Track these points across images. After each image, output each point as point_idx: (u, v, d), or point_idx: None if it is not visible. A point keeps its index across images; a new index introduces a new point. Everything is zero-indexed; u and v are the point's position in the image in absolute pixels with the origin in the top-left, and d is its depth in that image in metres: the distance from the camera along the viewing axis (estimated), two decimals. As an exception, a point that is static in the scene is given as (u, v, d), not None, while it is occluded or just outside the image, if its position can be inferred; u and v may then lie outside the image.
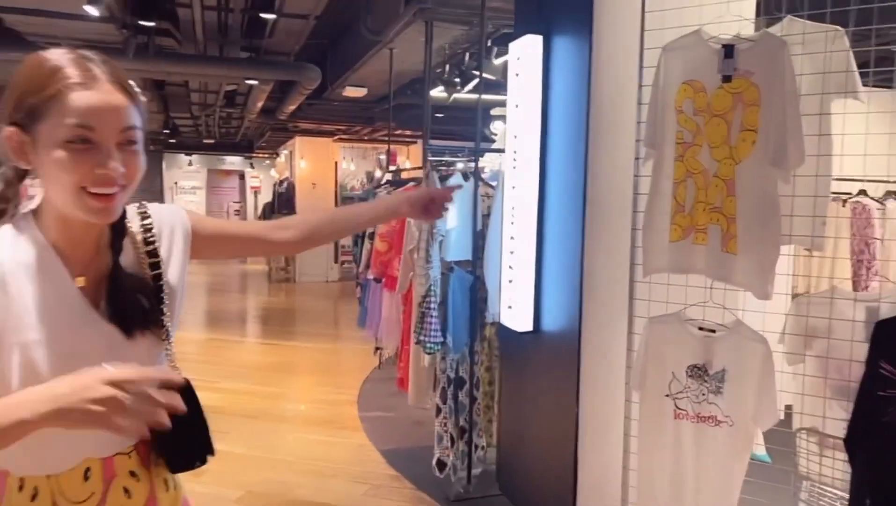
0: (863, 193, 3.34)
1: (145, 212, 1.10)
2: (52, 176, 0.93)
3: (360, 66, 6.78)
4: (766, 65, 2.04)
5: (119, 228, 1.04)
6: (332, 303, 10.36)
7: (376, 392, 5.23)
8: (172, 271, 1.11)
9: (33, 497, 0.98)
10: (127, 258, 1.05)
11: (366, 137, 12.70)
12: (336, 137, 12.52)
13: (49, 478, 0.99)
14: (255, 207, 17.67)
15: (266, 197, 16.26)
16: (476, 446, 3.46)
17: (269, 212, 12.85)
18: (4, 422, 0.81)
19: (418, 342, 3.39)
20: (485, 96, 3.67)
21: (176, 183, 18.80)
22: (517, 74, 2.85)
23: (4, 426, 0.81)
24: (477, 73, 4.01)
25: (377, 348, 5.41)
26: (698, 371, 2.23)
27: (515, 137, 2.89)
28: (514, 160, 2.89)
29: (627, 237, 2.35)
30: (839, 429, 2.01)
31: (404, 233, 4.20)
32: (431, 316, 3.32)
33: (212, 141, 16.04)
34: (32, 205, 1.01)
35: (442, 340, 3.33)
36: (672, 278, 2.29)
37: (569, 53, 2.63)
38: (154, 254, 1.08)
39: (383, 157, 11.17)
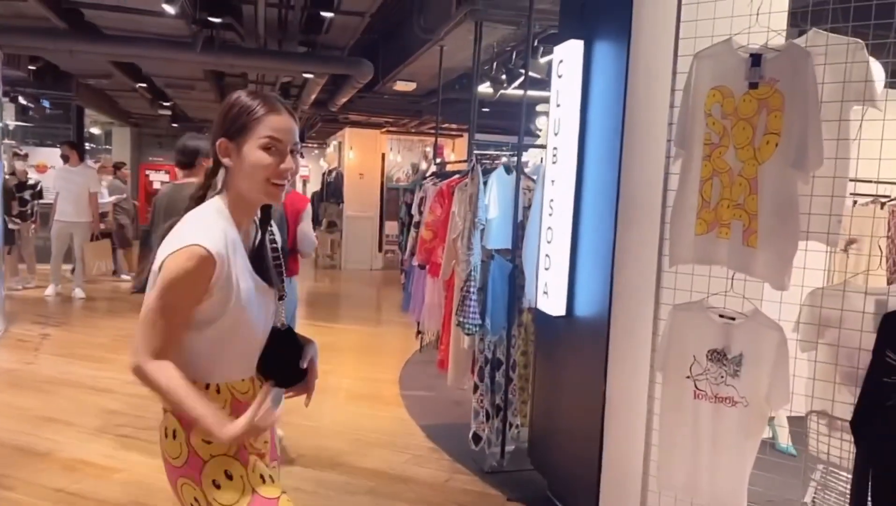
0: (901, 196, 3.44)
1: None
2: (247, 171, 1.42)
3: (411, 61, 7.03)
4: (791, 73, 2.20)
5: (266, 210, 1.57)
6: (375, 289, 10.69)
7: (417, 373, 5.50)
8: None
9: (217, 391, 1.48)
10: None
11: (412, 130, 12.97)
12: (384, 129, 12.83)
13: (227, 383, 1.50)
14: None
15: (315, 186, 16.70)
16: (510, 425, 3.69)
17: (318, 200, 13.25)
18: (192, 409, 1.33)
19: (458, 324, 3.63)
20: (530, 93, 3.88)
21: (229, 171, 19.37)
22: (560, 76, 3.05)
23: (187, 410, 1.33)
24: (523, 71, 4.21)
25: (419, 332, 5.67)
26: (718, 355, 2.42)
27: (556, 134, 3.09)
28: (554, 156, 3.10)
29: (657, 230, 2.54)
30: (847, 412, 2.16)
31: (449, 222, 4.45)
32: (471, 299, 3.55)
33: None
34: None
35: (480, 322, 3.56)
36: (696, 269, 2.48)
37: (608, 58, 2.82)
38: (273, 234, 1.61)
39: (429, 149, 11.43)
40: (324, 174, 14.40)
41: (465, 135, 10.33)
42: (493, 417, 3.61)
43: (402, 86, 8.34)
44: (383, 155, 13.05)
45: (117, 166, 10.27)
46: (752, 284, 2.38)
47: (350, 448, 3.85)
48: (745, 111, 2.30)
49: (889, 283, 3.26)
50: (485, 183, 3.73)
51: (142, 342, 1.35)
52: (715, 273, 2.45)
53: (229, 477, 1.41)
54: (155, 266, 1.38)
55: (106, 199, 9.10)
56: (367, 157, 12.74)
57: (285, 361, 1.55)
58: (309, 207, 3.89)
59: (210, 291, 1.36)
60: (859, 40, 2.14)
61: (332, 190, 12.86)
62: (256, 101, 1.43)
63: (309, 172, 18.95)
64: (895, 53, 2.15)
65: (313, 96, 9.41)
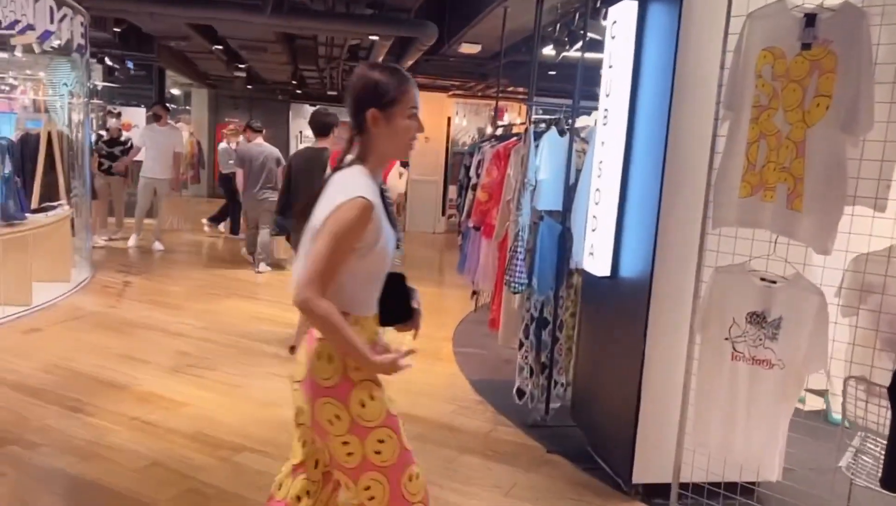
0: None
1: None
2: (393, 134, 1.71)
3: (476, 23, 7.02)
4: (846, 34, 2.15)
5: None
6: (437, 252, 10.87)
7: (471, 332, 5.64)
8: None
9: (355, 322, 1.70)
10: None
11: (479, 94, 12.94)
12: (451, 93, 12.84)
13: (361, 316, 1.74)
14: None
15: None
16: (556, 383, 3.79)
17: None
18: (349, 338, 1.60)
19: (506, 283, 3.72)
20: (591, 55, 3.86)
21: (301, 132, 19.89)
22: (613, 37, 3.05)
23: (344, 338, 1.60)
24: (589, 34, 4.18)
25: (474, 293, 5.79)
26: (757, 318, 2.43)
27: (608, 95, 3.10)
28: (605, 117, 3.11)
29: (702, 193, 2.54)
30: (886, 378, 2.16)
31: (504, 183, 4.51)
32: (518, 259, 3.63)
33: (335, 93, 16.84)
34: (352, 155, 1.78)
35: (527, 281, 3.64)
36: (740, 232, 2.48)
37: (661, 19, 2.80)
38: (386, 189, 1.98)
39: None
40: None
41: (531, 99, 10.22)
42: (537, 373, 3.71)
43: (467, 48, 8.34)
44: (449, 119, 13.09)
45: (254, 129, 7.98)
46: (795, 249, 2.37)
47: (400, 398, 4.00)
48: (796, 73, 2.27)
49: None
50: (537, 145, 3.77)
51: (310, 280, 1.57)
52: (759, 236, 2.45)
53: (372, 398, 1.69)
54: (320, 217, 1.63)
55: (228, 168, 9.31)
56: (433, 120, 12.79)
57: (400, 301, 1.83)
58: None
59: (367, 234, 1.63)
60: (919, -1, 2.08)
61: (397, 153, 12.98)
62: (396, 78, 1.70)
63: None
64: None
65: (380, 59, 9.53)
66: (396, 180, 6.99)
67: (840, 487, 2.43)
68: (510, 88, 11.82)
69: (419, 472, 1.78)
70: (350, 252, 1.62)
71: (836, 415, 3.81)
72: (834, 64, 2.18)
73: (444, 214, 12.67)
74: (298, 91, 16.96)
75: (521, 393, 3.72)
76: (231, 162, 9.11)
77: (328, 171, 1.84)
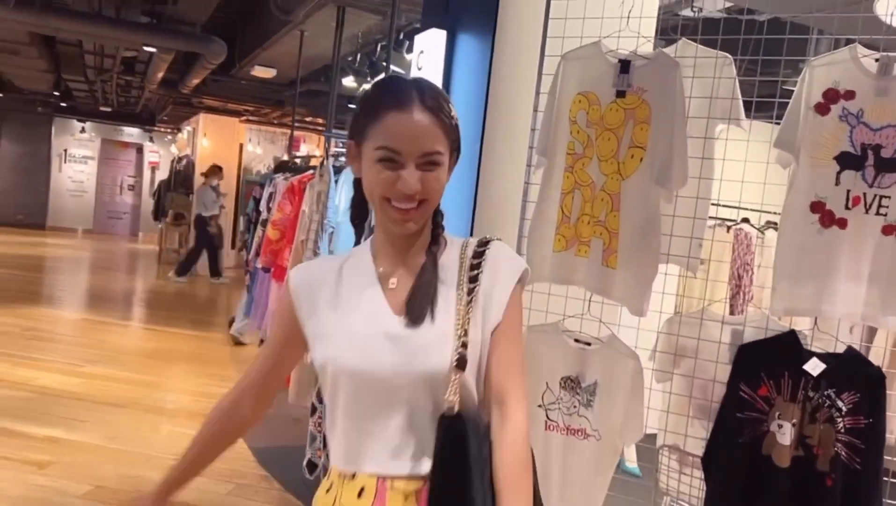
0: (745, 220, 3.49)
1: (487, 242, 1.19)
2: (366, 185, 1.11)
3: (270, 45, 6.52)
4: (659, 84, 2.05)
5: (435, 237, 1.17)
6: (225, 289, 9.94)
7: (257, 386, 5.01)
8: (489, 311, 1.11)
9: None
10: (443, 270, 1.14)
11: (275, 121, 12.30)
12: (243, 118, 12.05)
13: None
14: (152, 184, 16.74)
15: (164, 174, 15.46)
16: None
17: (164, 190, 12.21)
18: None
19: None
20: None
21: (66, 151, 17.50)
22: (420, 69, 2.78)
23: None
24: (386, 64, 3.91)
25: (262, 341, 5.20)
26: (571, 383, 2.23)
27: (413, 132, 2.81)
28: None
29: (514, 244, 2.32)
30: (699, 447, 2.05)
31: (297, 221, 4.05)
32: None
33: (109, 109, 15.07)
34: None
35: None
36: (554, 289, 2.28)
37: (471, 52, 2.58)
38: (474, 280, 1.12)
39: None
40: (173, 161, 13.33)
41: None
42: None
43: (260, 72, 7.76)
44: (241, 145, 12.26)
45: None
46: (610, 308, 2.23)
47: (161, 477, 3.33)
48: (611, 121, 2.13)
49: (731, 312, 3.29)
50: (336, 181, 3.38)
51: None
52: (573, 294, 2.27)
53: None
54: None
55: None
56: (222, 145, 11.88)
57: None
58: None
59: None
60: (728, 55, 2.04)
61: (180, 179, 11.89)
62: (379, 92, 1.11)
63: (159, 158, 17.55)
64: (745, 73, 2.08)
65: (160, 75, 8.56)
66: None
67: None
68: (308, 118, 11.36)
69: None
70: None
71: (630, 464, 3.85)
72: (648, 114, 2.08)
73: (233, 246, 11.74)
74: (64, 104, 14.92)
75: (312, 466, 3.23)
76: (215, 202, 8.72)
77: None
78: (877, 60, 1.80)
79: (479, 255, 1.14)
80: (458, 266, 1.13)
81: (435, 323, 1.06)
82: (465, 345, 1.04)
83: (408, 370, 1.05)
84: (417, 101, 1.05)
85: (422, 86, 1.10)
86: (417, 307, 1.07)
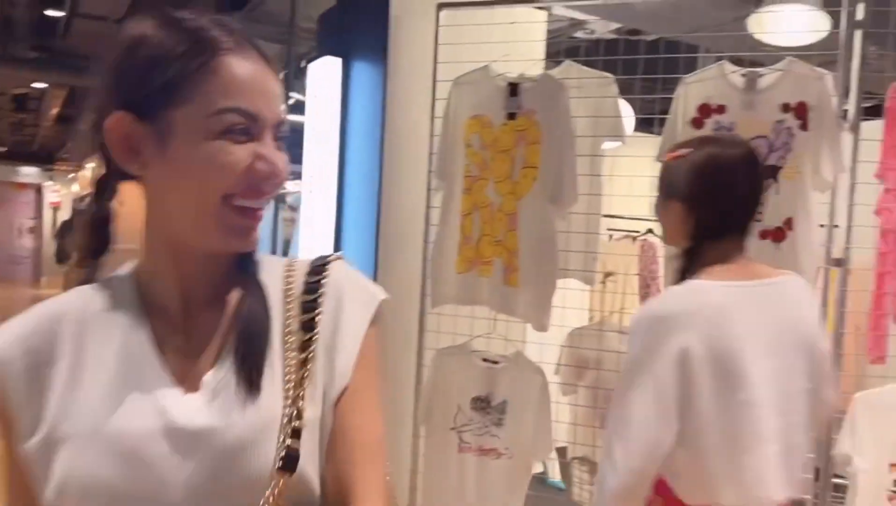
0: (650, 231, 3.62)
1: (323, 264, 0.75)
2: (182, 184, 0.66)
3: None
4: (547, 105, 2.11)
5: (247, 253, 0.72)
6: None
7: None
8: (332, 372, 0.71)
9: None
10: (275, 321, 0.71)
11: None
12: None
13: None
14: (54, 225, 15.84)
15: (67, 214, 14.67)
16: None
17: (65, 231, 11.57)
18: None
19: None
20: (299, 118, 3.53)
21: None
22: (315, 96, 2.76)
23: None
24: (290, 93, 3.86)
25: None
26: (481, 403, 2.24)
27: (312, 161, 2.78)
28: (310, 185, 2.78)
29: (419, 268, 2.32)
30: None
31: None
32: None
33: (3, 149, 14.23)
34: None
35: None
36: (460, 310, 2.29)
37: (366, 78, 2.58)
38: (308, 327, 0.71)
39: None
40: (74, 200, 12.68)
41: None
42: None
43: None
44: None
45: None
46: (516, 325, 2.25)
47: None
48: (504, 142, 2.17)
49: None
50: None
51: None
52: (479, 314, 2.29)
53: None
54: None
55: None
56: (130, 183, 11.38)
57: None
58: None
59: None
60: (609, 75, 2.12)
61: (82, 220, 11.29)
62: (202, 29, 0.66)
63: (60, 198, 16.63)
64: (641, 91, 2.18)
65: (55, 111, 8.17)
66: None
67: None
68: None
69: None
70: None
71: (553, 479, 3.88)
72: (538, 134, 2.13)
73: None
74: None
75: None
76: None
77: None
78: (743, 76, 1.92)
79: (313, 288, 0.73)
80: (282, 305, 0.72)
81: (257, 402, 0.66)
82: (296, 433, 0.66)
83: (211, 489, 0.64)
84: (252, 43, 0.68)
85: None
86: (248, 376, 0.66)
